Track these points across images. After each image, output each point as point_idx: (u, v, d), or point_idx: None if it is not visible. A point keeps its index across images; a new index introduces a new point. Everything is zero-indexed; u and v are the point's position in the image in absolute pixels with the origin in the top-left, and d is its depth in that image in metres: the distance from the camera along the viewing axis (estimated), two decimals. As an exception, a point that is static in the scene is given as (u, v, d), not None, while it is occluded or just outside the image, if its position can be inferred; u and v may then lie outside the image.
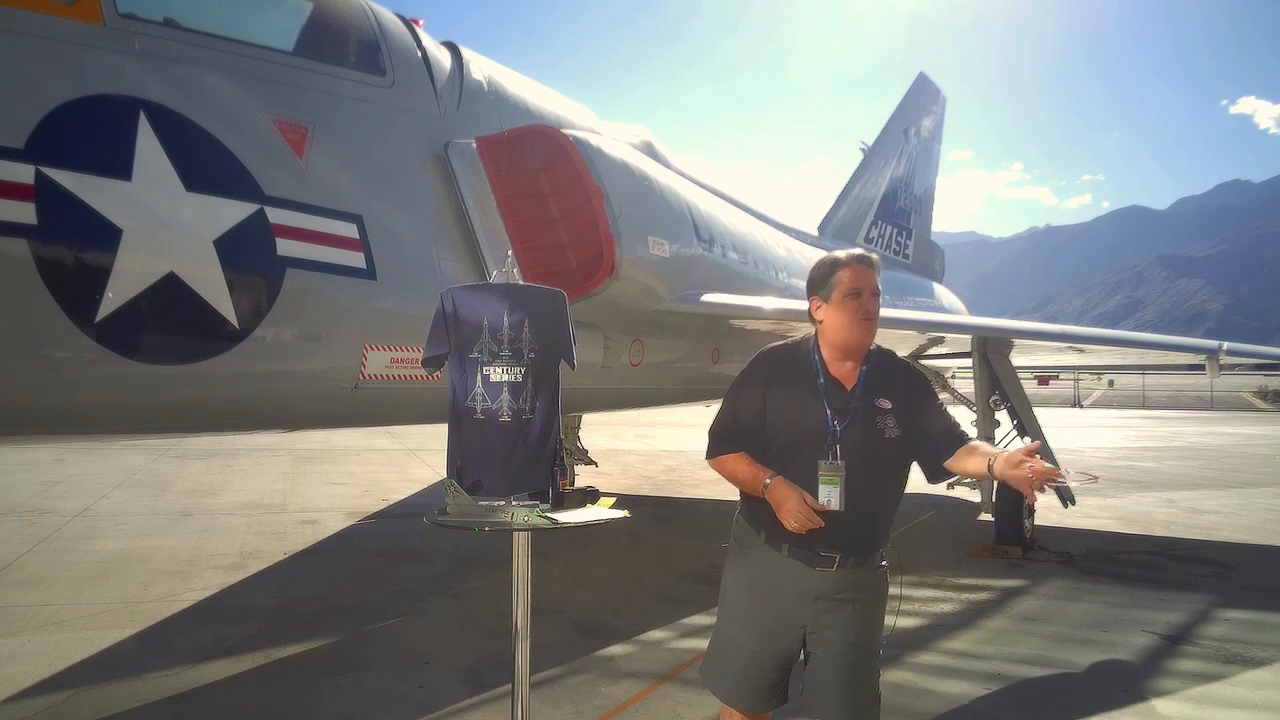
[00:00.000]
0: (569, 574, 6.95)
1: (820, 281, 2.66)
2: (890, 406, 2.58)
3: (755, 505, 2.65)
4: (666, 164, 7.70)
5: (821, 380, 2.61)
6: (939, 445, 2.62)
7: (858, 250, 2.73)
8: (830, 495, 2.50)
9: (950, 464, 2.62)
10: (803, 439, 2.56)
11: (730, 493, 2.82)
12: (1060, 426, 22.81)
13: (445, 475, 3.79)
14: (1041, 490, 2.37)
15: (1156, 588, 6.77)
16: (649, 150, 7.59)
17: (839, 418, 2.55)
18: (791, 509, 2.47)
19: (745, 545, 2.69)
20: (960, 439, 2.62)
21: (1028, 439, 8.61)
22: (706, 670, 2.79)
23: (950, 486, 9.27)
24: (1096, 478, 12.95)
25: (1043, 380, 53.89)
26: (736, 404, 2.69)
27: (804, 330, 2.76)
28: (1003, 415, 8.91)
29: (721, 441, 2.71)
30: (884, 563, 2.67)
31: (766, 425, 2.62)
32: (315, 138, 4.68)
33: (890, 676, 4.71)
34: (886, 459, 2.58)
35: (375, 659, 4.96)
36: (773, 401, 2.61)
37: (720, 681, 2.72)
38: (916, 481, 2.78)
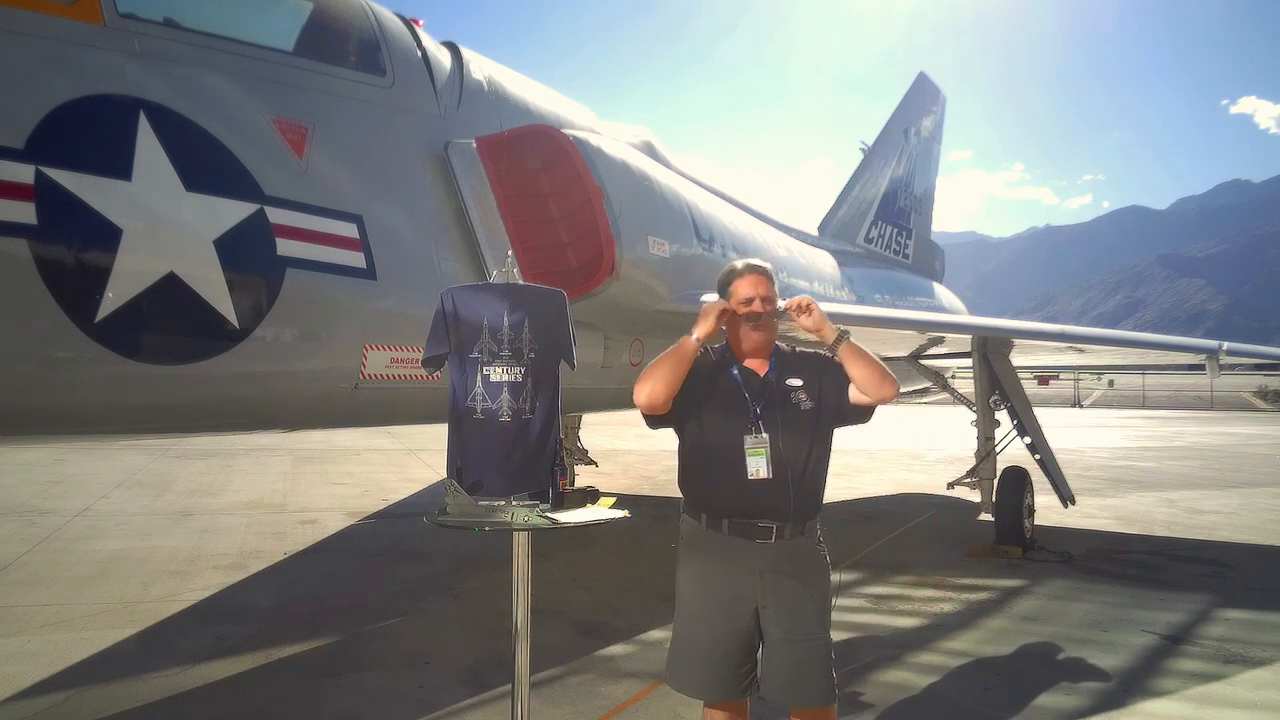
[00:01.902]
0: (569, 574, 6.96)
1: (720, 291, 2.98)
2: (801, 383, 2.86)
3: (693, 493, 2.94)
4: (666, 164, 7.69)
5: (736, 372, 2.90)
6: (843, 382, 2.85)
7: (754, 260, 3.02)
8: (758, 466, 2.74)
9: (853, 387, 2.83)
10: (727, 420, 2.81)
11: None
12: (1060, 426, 22.81)
13: (445, 475, 3.79)
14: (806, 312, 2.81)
15: (1156, 588, 6.77)
16: (649, 150, 7.59)
17: (757, 400, 2.83)
18: (714, 307, 2.84)
19: (691, 538, 2.93)
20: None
21: (1027, 439, 8.63)
22: (672, 673, 2.93)
23: (950, 486, 9.27)
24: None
25: (1043, 380, 53.92)
26: None
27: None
28: (1003, 415, 8.91)
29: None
30: (821, 540, 2.87)
31: (690, 406, 2.85)
32: (315, 138, 4.67)
33: (890, 676, 4.73)
34: (805, 429, 2.82)
35: (375, 659, 4.96)
36: (697, 390, 2.84)
37: (688, 678, 2.86)
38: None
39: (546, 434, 3.74)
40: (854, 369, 2.79)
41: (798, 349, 3.03)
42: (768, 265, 2.99)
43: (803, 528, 2.78)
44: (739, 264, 2.98)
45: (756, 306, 2.85)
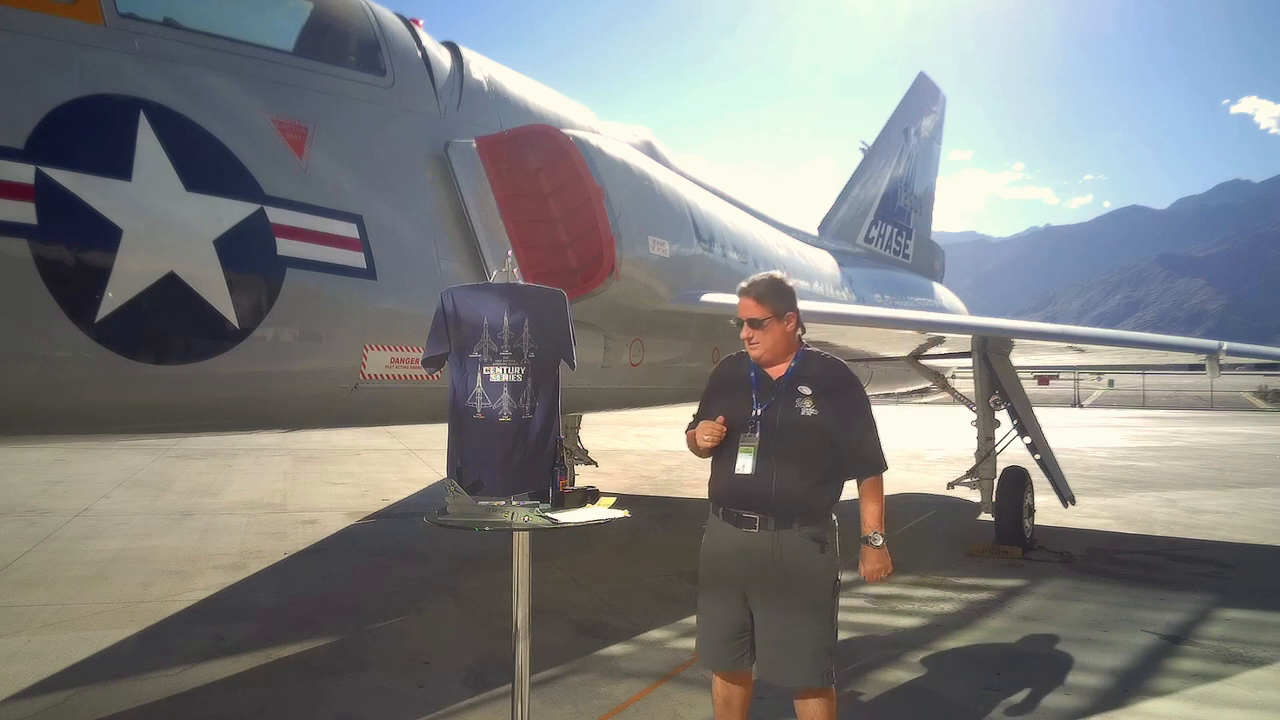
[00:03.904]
0: (569, 574, 6.95)
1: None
2: (810, 392, 3.02)
3: (709, 481, 3.16)
4: (666, 164, 7.69)
5: (753, 375, 3.14)
6: (853, 461, 3.06)
7: (752, 279, 3.19)
8: (745, 463, 2.98)
9: (858, 488, 3.10)
10: (734, 417, 3.06)
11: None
12: (1060, 426, 22.81)
13: (445, 475, 3.79)
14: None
15: (1156, 588, 6.77)
16: (649, 150, 7.58)
17: (763, 401, 3.06)
18: (702, 427, 3.08)
19: (708, 522, 3.18)
20: (864, 468, 3.07)
21: (1027, 439, 8.63)
22: (699, 648, 3.20)
23: (950, 486, 9.27)
24: None
25: (1043, 380, 53.84)
26: (699, 407, 3.30)
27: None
28: (1003, 415, 8.91)
29: (689, 428, 3.27)
30: (817, 539, 2.98)
31: (715, 403, 3.19)
32: (315, 138, 4.68)
33: (891, 676, 4.73)
34: (803, 435, 2.99)
35: (375, 659, 4.96)
36: (715, 401, 3.20)
37: (700, 648, 3.16)
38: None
39: (546, 434, 3.74)
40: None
41: (829, 356, 3.19)
42: (766, 281, 3.15)
43: (789, 524, 2.95)
44: (746, 281, 3.19)
45: (746, 333, 3.11)
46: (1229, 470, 15.53)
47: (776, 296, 3.11)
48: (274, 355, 4.36)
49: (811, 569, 2.96)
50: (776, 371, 3.12)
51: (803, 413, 2.98)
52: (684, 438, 3.29)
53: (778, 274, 3.22)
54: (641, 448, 17.60)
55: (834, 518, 3.08)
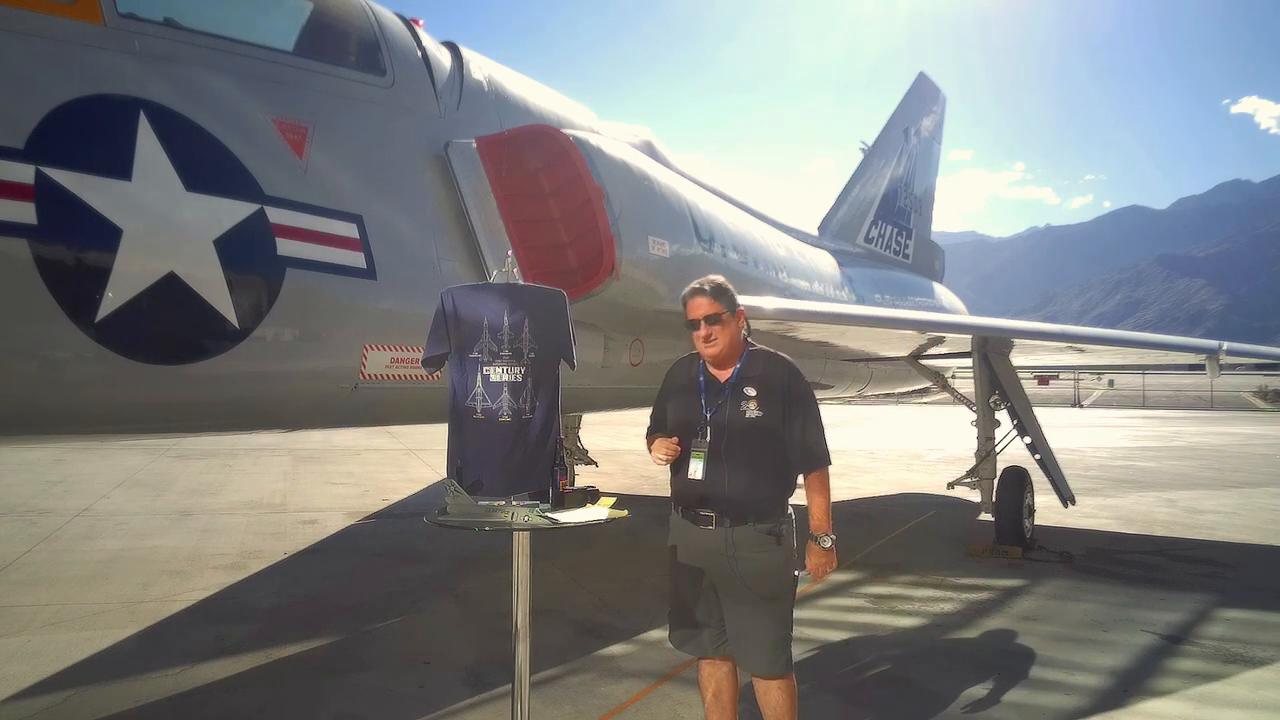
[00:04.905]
0: (569, 574, 6.96)
1: (683, 305, 3.27)
2: (754, 393, 3.10)
3: (670, 485, 3.26)
4: (667, 164, 7.69)
5: (702, 379, 3.23)
6: (797, 456, 3.13)
7: (701, 280, 3.25)
8: (697, 468, 3.10)
9: (804, 484, 3.17)
10: (685, 422, 3.18)
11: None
12: (1060, 426, 22.82)
13: (445, 475, 3.79)
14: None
15: (1156, 588, 6.77)
16: (649, 150, 7.58)
17: (711, 405, 3.15)
18: (657, 445, 3.19)
19: (672, 522, 3.29)
20: (808, 462, 3.13)
21: (1027, 439, 8.64)
22: (670, 634, 3.32)
23: (950, 486, 9.28)
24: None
25: (1043, 380, 53.86)
26: (654, 409, 3.43)
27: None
28: (1003, 415, 8.91)
29: (650, 432, 3.42)
30: (773, 534, 3.06)
31: (668, 408, 3.31)
32: (315, 138, 4.67)
33: (890, 676, 4.73)
34: (750, 436, 3.07)
35: (375, 659, 4.96)
36: (670, 404, 3.32)
37: (675, 637, 3.28)
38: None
39: (546, 434, 3.74)
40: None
41: (773, 354, 3.26)
42: (709, 285, 3.21)
43: (744, 521, 3.05)
44: (694, 283, 3.25)
45: (702, 331, 3.17)
46: (1229, 470, 15.53)
47: (725, 294, 3.21)
48: (274, 355, 4.36)
49: (768, 563, 3.06)
50: (724, 374, 3.20)
51: (748, 415, 3.07)
52: (650, 443, 3.33)
53: (717, 277, 3.31)
54: (641, 448, 17.53)
55: (790, 512, 3.15)
